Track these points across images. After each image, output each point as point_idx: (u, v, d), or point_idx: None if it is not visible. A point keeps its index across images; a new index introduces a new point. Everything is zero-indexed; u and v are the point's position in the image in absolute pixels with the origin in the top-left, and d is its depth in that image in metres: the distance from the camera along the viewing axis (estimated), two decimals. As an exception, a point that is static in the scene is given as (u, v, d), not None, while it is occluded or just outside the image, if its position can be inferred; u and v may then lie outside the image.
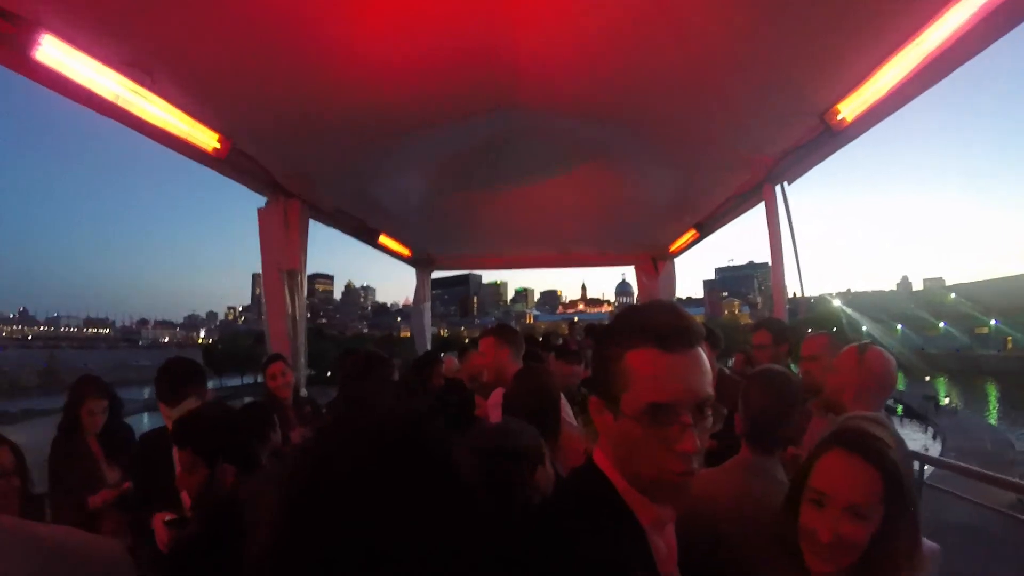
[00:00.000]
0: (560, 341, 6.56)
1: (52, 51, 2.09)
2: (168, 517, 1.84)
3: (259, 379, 3.68)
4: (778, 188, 3.96)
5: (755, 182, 4.12)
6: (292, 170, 3.67)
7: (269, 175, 3.52)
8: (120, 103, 2.38)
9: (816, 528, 1.16)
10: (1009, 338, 69.73)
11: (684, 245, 6.46)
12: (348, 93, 3.00)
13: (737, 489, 1.53)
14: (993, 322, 74.53)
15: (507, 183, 4.98)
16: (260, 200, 3.82)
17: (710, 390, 0.95)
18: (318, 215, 4.23)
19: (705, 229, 5.69)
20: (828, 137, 3.25)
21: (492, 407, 2.75)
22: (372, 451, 0.67)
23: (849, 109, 3.05)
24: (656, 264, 7.28)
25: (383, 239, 5.56)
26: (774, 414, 1.60)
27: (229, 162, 3.05)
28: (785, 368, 2.09)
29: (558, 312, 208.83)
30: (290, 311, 3.79)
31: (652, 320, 0.96)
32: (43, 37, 2.04)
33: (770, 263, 3.97)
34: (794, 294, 4.94)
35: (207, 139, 2.82)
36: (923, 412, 31.81)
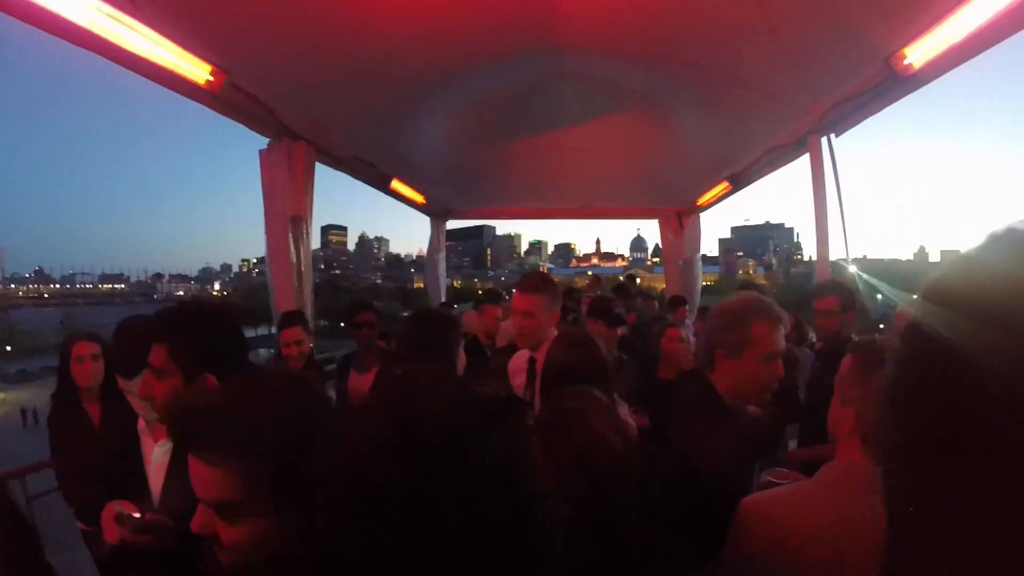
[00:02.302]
0: (577, 296, 6.21)
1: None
2: (124, 510, 1.31)
3: (273, 330, 3.45)
4: (824, 140, 3.64)
5: (801, 133, 3.78)
6: (297, 109, 3.38)
7: (271, 114, 3.23)
8: (97, 31, 2.10)
9: None
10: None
11: (714, 199, 6.12)
12: (363, 27, 2.70)
13: (856, 514, 0.97)
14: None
15: (535, 131, 4.67)
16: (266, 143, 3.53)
17: None
18: (325, 158, 3.94)
19: (739, 182, 5.34)
20: (892, 84, 2.91)
21: (515, 372, 2.52)
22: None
23: (918, 54, 2.71)
24: (681, 220, 6.98)
25: (396, 184, 5.24)
26: None
27: (224, 98, 2.76)
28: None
29: (572, 266, 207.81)
30: (295, 261, 3.56)
31: None
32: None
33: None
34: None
35: (198, 72, 2.53)
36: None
